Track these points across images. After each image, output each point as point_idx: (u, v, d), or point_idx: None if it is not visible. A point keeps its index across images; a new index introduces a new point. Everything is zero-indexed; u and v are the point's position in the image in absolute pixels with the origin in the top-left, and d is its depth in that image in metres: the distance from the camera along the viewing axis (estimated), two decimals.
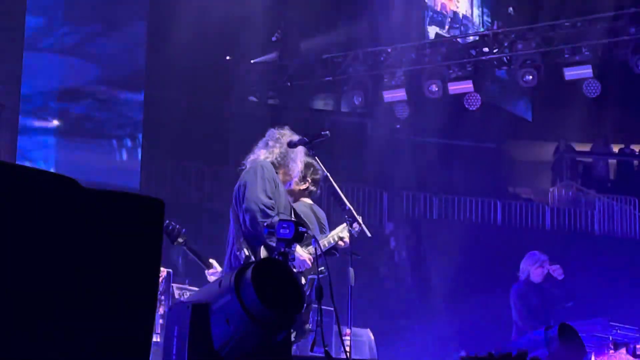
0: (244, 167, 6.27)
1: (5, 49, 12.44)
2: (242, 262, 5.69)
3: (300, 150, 6.24)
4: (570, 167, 21.06)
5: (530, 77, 14.77)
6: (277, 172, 6.15)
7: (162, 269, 8.10)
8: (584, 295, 14.18)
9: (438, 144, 19.86)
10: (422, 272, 16.85)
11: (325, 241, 6.31)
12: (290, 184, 6.38)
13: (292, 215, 6.14)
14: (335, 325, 5.32)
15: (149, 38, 14.42)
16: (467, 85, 15.24)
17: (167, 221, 6.32)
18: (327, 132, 6.27)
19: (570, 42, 14.59)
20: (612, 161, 21.93)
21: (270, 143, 6.28)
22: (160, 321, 7.73)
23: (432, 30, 20.31)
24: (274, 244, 5.48)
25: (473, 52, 15.73)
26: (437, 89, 15.27)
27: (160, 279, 8.23)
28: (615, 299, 13.73)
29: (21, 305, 2.04)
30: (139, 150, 14.27)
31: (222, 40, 16.19)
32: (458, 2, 21.28)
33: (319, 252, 5.59)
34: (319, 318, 5.00)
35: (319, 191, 6.76)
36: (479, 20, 21.67)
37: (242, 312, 4.31)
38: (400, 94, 15.68)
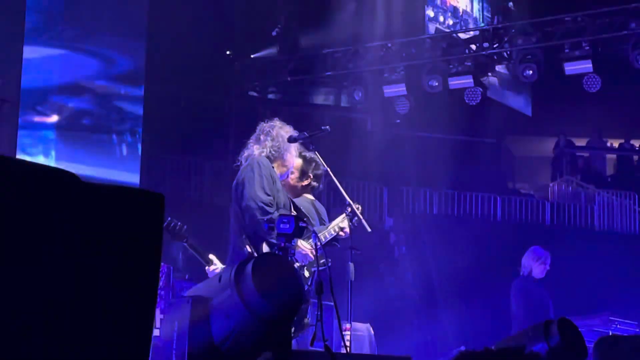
0: (239, 164, 6.27)
1: (5, 43, 12.43)
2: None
3: (286, 138, 6.24)
4: (570, 162, 21.07)
5: (531, 71, 14.75)
6: (272, 165, 6.14)
7: (162, 263, 8.10)
8: (584, 291, 14.22)
9: (438, 139, 19.86)
10: (422, 267, 16.85)
11: (326, 232, 6.31)
12: (287, 175, 6.38)
13: (292, 210, 6.14)
14: (335, 320, 5.32)
15: (149, 33, 14.40)
16: (467, 80, 15.22)
17: (169, 218, 6.33)
18: (327, 127, 6.27)
19: (571, 36, 14.57)
20: (612, 156, 21.94)
21: (262, 137, 6.28)
22: (160, 316, 7.73)
23: (432, 25, 20.29)
24: (275, 240, 5.48)
25: (473, 47, 15.71)
26: (437, 84, 15.25)
27: (161, 274, 8.23)
28: (615, 294, 13.74)
29: (19, 300, 2.04)
30: (139, 146, 14.26)
31: (222, 35, 16.17)
32: None
33: (319, 246, 5.59)
34: (319, 313, 5.01)
35: (321, 186, 6.75)
36: (479, 15, 21.65)
37: (242, 307, 4.32)
38: (400, 89, 15.66)
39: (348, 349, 5.83)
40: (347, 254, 6.42)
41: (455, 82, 15.30)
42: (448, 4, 20.91)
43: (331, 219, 6.64)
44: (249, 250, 5.83)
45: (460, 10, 21.33)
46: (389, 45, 15.98)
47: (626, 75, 15.70)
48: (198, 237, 6.58)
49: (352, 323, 6.41)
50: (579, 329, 5.58)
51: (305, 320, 5.97)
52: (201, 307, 4.48)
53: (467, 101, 15.41)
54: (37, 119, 13.36)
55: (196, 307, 4.48)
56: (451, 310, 15.54)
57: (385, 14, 17.59)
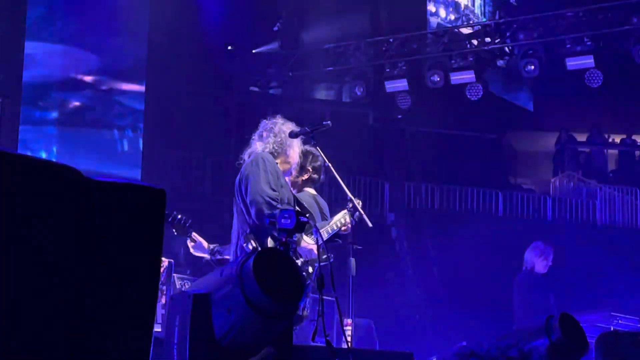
0: (242, 162, 6.27)
1: (7, 39, 12.43)
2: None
3: (290, 134, 6.24)
4: (571, 157, 21.06)
5: (532, 67, 14.75)
6: (276, 162, 6.15)
7: (163, 259, 8.11)
8: (585, 286, 14.22)
9: (440, 134, 19.86)
10: (423, 262, 16.86)
11: (329, 228, 6.31)
12: (290, 172, 6.38)
13: (296, 206, 6.13)
14: (337, 315, 5.32)
15: (150, 28, 14.40)
16: (469, 76, 15.22)
17: (174, 212, 6.33)
18: (329, 122, 6.26)
19: (572, 32, 14.57)
20: (614, 151, 21.93)
21: (265, 134, 6.28)
22: (162, 311, 7.74)
23: (434, 20, 20.28)
24: (277, 234, 5.49)
25: (475, 42, 15.70)
26: (439, 79, 15.25)
27: (162, 269, 8.24)
28: (617, 289, 13.75)
29: (20, 295, 2.04)
30: (140, 141, 14.28)
31: (223, 30, 16.17)
32: None
33: (320, 242, 5.59)
34: (320, 308, 5.01)
35: (323, 177, 6.75)
36: (481, 10, 21.64)
37: (243, 302, 4.32)
38: (401, 84, 15.66)
39: (349, 344, 5.84)
40: (348, 249, 6.42)
41: (456, 78, 15.30)
42: None
43: (332, 214, 6.64)
44: (253, 245, 5.83)
45: (462, 6, 21.33)
46: (391, 40, 15.98)
47: (628, 70, 15.70)
48: (199, 232, 6.59)
49: (353, 318, 6.41)
50: (581, 324, 5.58)
51: (304, 312, 5.97)
52: (202, 301, 4.48)
53: (468, 96, 15.41)
54: (39, 114, 13.37)
55: (197, 301, 4.48)
56: (452, 305, 15.55)
57: (387, 9, 17.59)
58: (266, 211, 5.71)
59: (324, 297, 5.10)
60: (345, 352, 5.14)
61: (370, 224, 6.34)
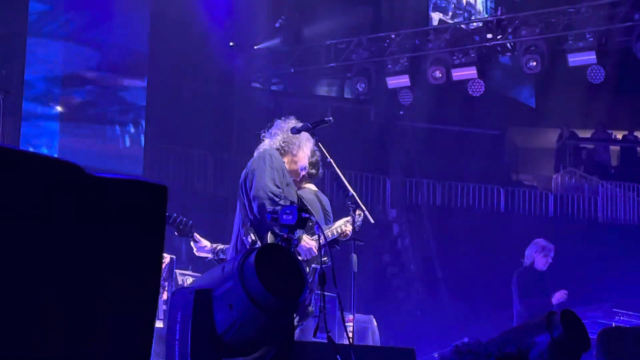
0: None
1: (9, 35, 12.43)
2: (248, 247, 5.69)
3: (306, 138, 6.23)
4: (573, 153, 21.05)
5: (534, 63, 14.73)
6: (283, 161, 6.15)
7: (165, 255, 8.12)
8: (587, 282, 14.21)
9: (441, 130, 19.84)
10: (425, 258, 16.87)
11: (329, 232, 6.31)
12: (298, 174, 6.33)
13: (298, 203, 6.13)
14: (338, 311, 5.32)
15: (152, 24, 14.40)
16: (470, 72, 15.20)
17: (175, 214, 6.35)
18: (330, 118, 6.26)
19: (574, 28, 14.55)
20: (616, 148, 21.91)
21: (274, 131, 6.29)
22: (164, 307, 7.75)
23: (436, 17, 20.26)
24: (279, 230, 5.49)
25: (477, 38, 15.68)
26: (440, 75, 15.24)
27: (164, 265, 8.25)
28: (618, 285, 13.74)
29: (22, 291, 2.05)
30: (142, 137, 14.28)
31: (225, 26, 16.16)
32: None
33: (322, 239, 5.59)
34: (321, 304, 5.01)
35: (321, 171, 6.75)
36: (483, 6, 21.62)
37: (245, 298, 4.32)
38: (403, 80, 15.65)
39: (351, 340, 5.84)
40: (350, 245, 6.42)
41: (458, 74, 15.28)
42: None
43: (334, 210, 6.64)
44: (253, 237, 5.83)
45: (464, 2, 21.30)
46: (393, 36, 15.97)
47: (630, 66, 15.69)
48: (200, 228, 6.60)
49: (355, 314, 6.42)
50: (582, 321, 5.58)
51: (310, 309, 5.98)
52: (204, 297, 4.48)
53: (470, 92, 15.39)
54: (41, 110, 13.38)
55: (199, 297, 4.49)
56: (454, 301, 15.56)
57: (388, 5, 17.57)
58: (268, 206, 5.71)
59: (326, 294, 5.10)
60: (347, 348, 5.14)
61: (372, 220, 6.34)
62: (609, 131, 21.75)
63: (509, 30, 15.34)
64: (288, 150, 6.20)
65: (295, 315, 5.15)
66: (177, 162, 15.82)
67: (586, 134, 21.94)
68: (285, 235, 5.09)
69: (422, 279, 16.54)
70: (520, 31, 15.12)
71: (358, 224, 6.38)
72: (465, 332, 12.16)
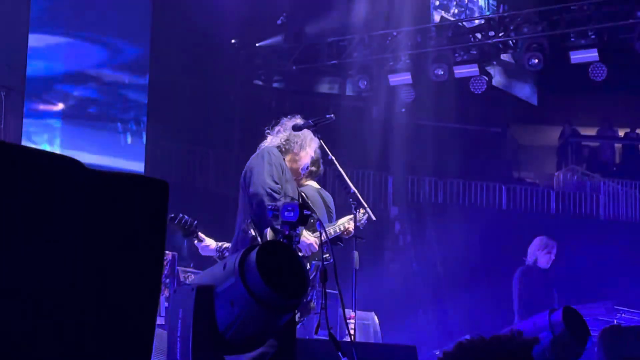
0: None
1: (11, 31, 12.43)
2: (248, 243, 5.70)
3: (310, 138, 6.23)
4: (575, 151, 21.04)
5: (536, 60, 14.72)
6: (284, 158, 6.15)
7: (166, 252, 8.13)
8: (588, 280, 14.22)
9: (443, 127, 19.83)
10: (427, 256, 16.86)
11: (332, 229, 6.32)
12: (299, 173, 6.33)
13: (299, 200, 6.14)
14: (340, 309, 5.32)
15: (153, 21, 14.39)
16: (472, 69, 15.20)
17: (180, 215, 6.35)
18: (332, 115, 6.26)
19: (577, 25, 14.54)
20: (618, 145, 21.90)
21: (277, 128, 6.31)
22: (165, 304, 7.76)
23: (438, 14, 20.24)
24: (280, 227, 5.49)
25: (479, 35, 15.67)
26: (442, 73, 15.23)
27: (165, 262, 8.25)
28: (620, 283, 13.74)
29: (22, 288, 2.05)
30: (144, 134, 14.28)
31: (227, 23, 16.15)
32: None
33: (324, 237, 5.59)
34: (323, 301, 5.01)
35: (322, 168, 6.75)
36: (485, 3, 21.58)
37: (246, 295, 4.32)
38: (405, 78, 15.65)
39: (353, 337, 5.84)
40: (351, 242, 6.42)
41: (460, 71, 15.28)
42: None
43: (336, 207, 6.65)
44: (253, 233, 5.84)
45: None
46: (395, 33, 15.96)
47: (632, 64, 15.68)
48: (203, 226, 6.60)
49: (357, 311, 6.42)
50: (584, 318, 5.59)
51: (311, 304, 5.99)
52: (206, 294, 4.48)
53: (472, 90, 15.39)
54: (43, 107, 13.38)
55: (201, 294, 4.49)
56: (456, 299, 15.55)
57: (390, 2, 17.55)
58: (267, 202, 5.72)
59: (327, 291, 5.10)
60: (349, 346, 5.14)
61: (374, 218, 6.35)
62: (611, 128, 21.74)
63: (511, 27, 15.32)
64: (289, 149, 6.21)
65: (296, 311, 5.15)
66: (179, 159, 15.82)
67: (588, 131, 21.94)
68: (287, 232, 5.09)
69: (423, 277, 16.54)
70: (522, 28, 15.10)
71: (363, 222, 6.38)
72: (467, 329, 12.17)
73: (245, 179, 6.01)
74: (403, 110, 18.35)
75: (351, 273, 6.24)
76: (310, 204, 6.26)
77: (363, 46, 16.08)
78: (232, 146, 16.26)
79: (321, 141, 6.32)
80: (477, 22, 17.16)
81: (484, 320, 12.77)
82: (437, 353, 9.70)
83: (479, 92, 15.41)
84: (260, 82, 17.65)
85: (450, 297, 15.87)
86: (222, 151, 16.32)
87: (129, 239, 2.28)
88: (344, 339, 6.04)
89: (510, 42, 15.56)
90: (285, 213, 5.07)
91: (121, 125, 14.19)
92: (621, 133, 21.87)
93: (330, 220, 6.53)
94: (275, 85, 17.92)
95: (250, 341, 4.64)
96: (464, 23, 16.91)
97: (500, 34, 15.40)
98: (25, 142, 12.30)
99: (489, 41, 15.43)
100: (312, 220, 5.38)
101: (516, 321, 8.90)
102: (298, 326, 5.57)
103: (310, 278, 5.84)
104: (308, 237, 5.97)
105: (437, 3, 20.30)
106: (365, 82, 15.94)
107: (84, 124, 13.72)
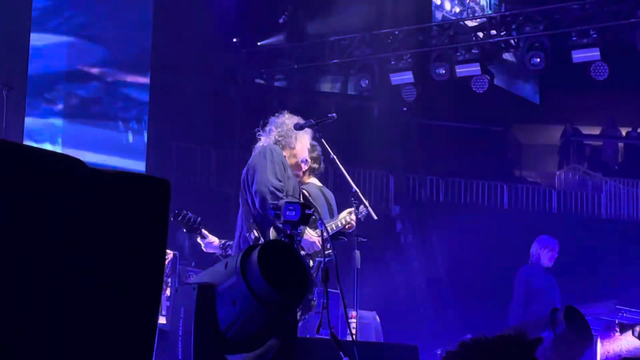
0: None
1: (13, 30, 12.42)
2: (251, 244, 5.70)
3: (303, 130, 6.23)
4: (577, 150, 21.03)
5: (538, 59, 14.70)
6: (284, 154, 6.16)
7: (168, 251, 8.13)
8: (590, 279, 14.21)
9: (445, 126, 19.84)
10: (428, 255, 16.86)
11: (333, 224, 6.32)
12: (299, 167, 6.34)
13: (301, 199, 6.14)
14: (341, 308, 5.32)
15: (155, 20, 14.39)
16: (474, 68, 15.18)
17: (184, 211, 6.37)
18: (334, 114, 6.27)
19: (579, 24, 14.52)
20: (619, 144, 21.89)
21: (267, 128, 6.31)
22: (167, 303, 7.75)
23: (439, 13, 20.23)
24: (282, 226, 5.49)
25: (480, 34, 15.66)
26: (444, 72, 15.22)
27: (167, 261, 8.25)
28: (621, 282, 13.73)
29: (23, 287, 2.04)
30: (145, 133, 14.28)
31: (228, 22, 16.15)
32: None
33: (325, 235, 5.59)
34: (325, 300, 5.01)
35: (322, 165, 6.75)
36: (486, 2, 21.58)
37: (248, 294, 4.32)
38: (407, 77, 15.63)
39: (354, 336, 5.84)
40: (353, 241, 6.42)
41: (462, 70, 15.26)
42: None
43: (338, 206, 6.65)
44: (256, 234, 5.84)
45: None
46: (396, 32, 15.94)
47: (634, 63, 15.66)
48: (205, 225, 6.60)
49: (358, 311, 6.42)
50: (586, 317, 5.59)
51: (312, 302, 5.98)
52: (207, 293, 4.48)
53: (474, 89, 15.38)
54: (44, 106, 13.38)
55: (202, 293, 4.49)
56: (457, 298, 15.55)
57: (392, 2, 17.54)
58: (270, 201, 5.72)
59: (329, 290, 5.10)
60: (350, 345, 5.14)
61: (375, 217, 6.35)
62: (612, 128, 21.73)
63: (513, 26, 15.31)
64: (286, 145, 6.21)
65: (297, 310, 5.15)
66: (180, 158, 15.82)
67: (590, 130, 21.93)
68: (289, 231, 5.09)
69: (425, 276, 16.54)
70: (524, 27, 15.08)
71: (363, 213, 6.38)
72: (468, 329, 12.17)
73: (248, 178, 6.00)
74: (405, 109, 18.35)
75: (352, 272, 6.24)
76: (312, 202, 6.27)
77: (365, 45, 16.06)
78: (233, 145, 16.26)
79: (323, 140, 6.33)
80: (478, 21, 17.15)
81: (485, 319, 12.75)
82: (439, 352, 9.69)
83: (481, 91, 15.39)
84: (261, 81, 17.64)
85: (452, 296, 15.87)
86: (223, 150, 16.32)
87: (131, 237, 2.28)
88: (346, 339, 6.05)
89: (512, 41, 15.54)
90: (287, 212, 5.07)
91: (122, 124, 14.19)
92: (623, 132, 21.86)
93: (332, 218, 6.54)
94: (276, 84, 17.90)
95: (251, 340, 4.64)
96: (466, 22, 16.90)
97: (502, 33, 15.38)
98: (26, 141, 12.29)
99: (491, 40, 15.41)
100: (313, 218, 5.38)
101: (518, 320, 8.90)
102: (299, 325, 5.58)
103: (313, 276, 5.84)
104: (311, 236, 5.97)
105: (439, 2, 20.30)
106: (367, 81, 15.92)
107: (86, 123, 13.71)
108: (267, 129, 6.32)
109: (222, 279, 4.50)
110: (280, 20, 17.81)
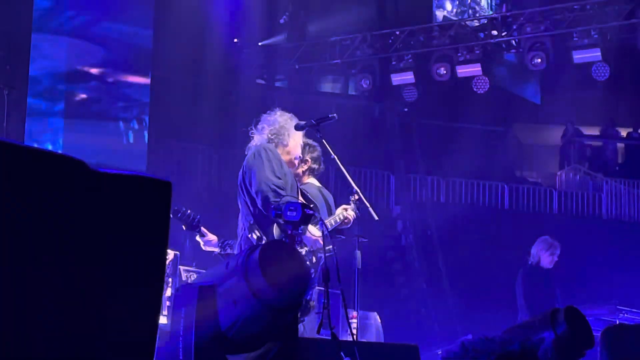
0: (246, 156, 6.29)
1: (14, 31, 12.43)
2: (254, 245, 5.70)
3: (292, 125, 6.24)
4: (578, 150, 21.03)
5: (539, 60, 14.71)
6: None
7: (169, 251, 8.13)
8: (591, 279, 14.21)
9: (446, 127, 19.83)
10: (429, 255, 16.85)
11: (332, 220, 6.31)
12: (293, 164, 6.35)
13: (299, 197, 6.13)
14: (342, 308, 5.33)
15: (155, 20, 14.39)
16: (475, 69, 15.20)
17: (184, 209, 6.38)
18: (335, 114, 6.26)
19: (579, 25, 14.53)
20: (620, 145, 21.88)
21: (260, 126, 6.31)
22: (167, 303, 7.75)
23: (440, 13, 20.23)
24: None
25: (482, 35, 15.67)
26: (445, 72, 15.23)
27: (168, 261, 8.26)
28: (622, 282, 13.73)
29: (23, 288, 2.05)
30: (146, 133, 14.28)
31: (229, 22, 16.15)
32: None
33: (326, 232, 5.59)
34: (325, 300, 5.01)
35: (322, 165, 6.74)
36: (488, 3, 21.57)
37: (249, 294, 4.32)
38: (408, 77, 15.64)
39: (355, 336, 5.84)
40: (354, 241, 6.42)
41: (463, 70, 15.28)
42: None
43: (337, 206, 6.64)
44: (257, 234, 5.83)
45: None
46: (397, 33, 15.96)
47: (635, 63, 15.67)
48: (205, 225, 6.60)
49: (359, 311, 6.42)
50: (586, 318, 5.58)
51: (311, 303, 5.98)
52: (208, 293, 4.48)
53: (475, 89, 15.38)
54: (45, 106, 13.39)
55: (203, 294, 4.49)
56: (458, 298, 15.54)
57: (393, 2, 17.55)
58: (272, 199, 5.71)
59: (330, 290, 5.10)
60: (351, 345, 5.14)
61: (376, 217, 6.34)
62: (613, 128, 21.72)
63: (514, 27, 15.32)
64: (279, 142, 6.20)
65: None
66: (181, 158, 15.81)
67: (591, 130, 21.92)
68: (289, 232, 5.09)
69: (426, 276, 16.53)
70: (525, 28, 15.10)
71: (356, 201, 6.37)
72: (469, 329, 12.16)
73: (245, 180, 5.99)
74: (405, 109, 18.36)
75: (353, 272, 6.24)
76: (312, 200, 6.27)
77: (366, 45, 16.07)
78: (234, 145, 16.23)
79: (323, 140, 6.32)
80: (480, 21, 17.16)
81: (486, 319, 12.75)
82: (440, 352, 9.69)
83: (482, 92, 15.40)
84: (262, 81, 17.64)
85: (452, 297, 15.86)
86: (224, 150, 16.32)
87: (132, 238, 2.28)
88: (346, 339, 6.05)
89: (513, 41, 15.56)
90: (288, 212, 5.07)
91: (123, 125, 14.20)
92: (624, 132, 21.85)
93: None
94: (277, 84, 17.91)
95: (252, 340, 4.63)
96: (467, 22, 16.91)
97: (503, 34, 15.40)
98: (28, 141, 12.30)
99: (492, 40, 15.43)
100: (314, 219, 5.38)
101: (519, 321, 8.89)
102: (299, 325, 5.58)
103: (313, 276, 5.84)
104: (314, 233, 5.97)
105: (440, 2, 20.30)
106: (368, 81, 15.93)
107: (86, 123, 13.72)
108: (259, 127, 6.31)
109: (223, 279, 4.50)
110: (281, 20, 17.82)
